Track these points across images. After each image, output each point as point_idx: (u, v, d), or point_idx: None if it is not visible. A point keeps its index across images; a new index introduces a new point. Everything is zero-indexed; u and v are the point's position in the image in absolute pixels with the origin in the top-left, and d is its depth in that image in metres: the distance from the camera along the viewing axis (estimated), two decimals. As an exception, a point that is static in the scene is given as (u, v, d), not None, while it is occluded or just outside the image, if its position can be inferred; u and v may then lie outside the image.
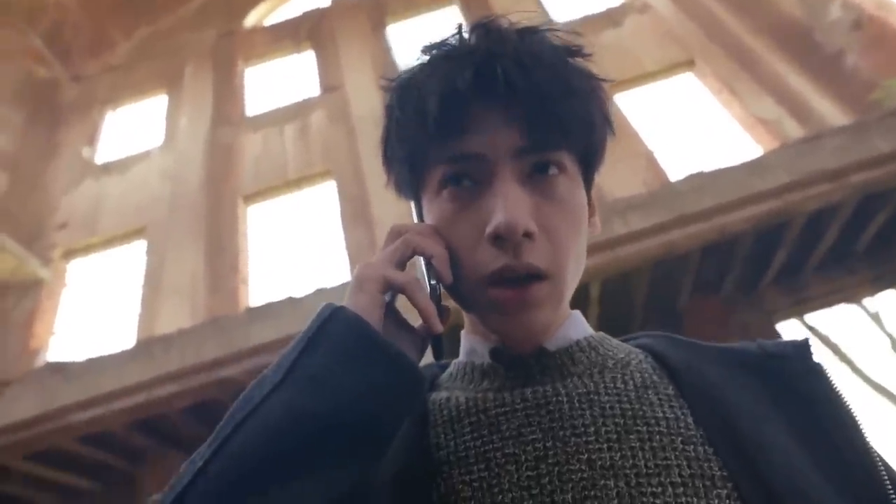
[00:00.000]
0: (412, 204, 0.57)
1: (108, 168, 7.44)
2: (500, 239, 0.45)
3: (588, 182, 0.55)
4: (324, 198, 6.63)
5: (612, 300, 4.47)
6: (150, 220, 6.74)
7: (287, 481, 0.36)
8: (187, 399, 4.12)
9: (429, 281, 0.48)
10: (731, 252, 4.40)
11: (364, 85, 7.12)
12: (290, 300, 4.38)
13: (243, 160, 7.07)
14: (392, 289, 0.46)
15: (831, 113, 5.53)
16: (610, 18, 7.16)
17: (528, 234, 0.45)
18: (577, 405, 0.46)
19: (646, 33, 6.89)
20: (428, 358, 0.51)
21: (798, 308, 4.95)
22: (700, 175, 4.24)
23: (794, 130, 5.51)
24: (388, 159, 0.56)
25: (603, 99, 0.53)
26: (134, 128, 8.17)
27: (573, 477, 0.42)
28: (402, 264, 0.47)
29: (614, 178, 5.40)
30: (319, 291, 4.24)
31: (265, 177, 6.88)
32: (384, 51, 7.81)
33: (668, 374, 0.50)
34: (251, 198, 6.85)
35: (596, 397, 0.47)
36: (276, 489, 0.36)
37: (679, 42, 6.70)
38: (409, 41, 8.05)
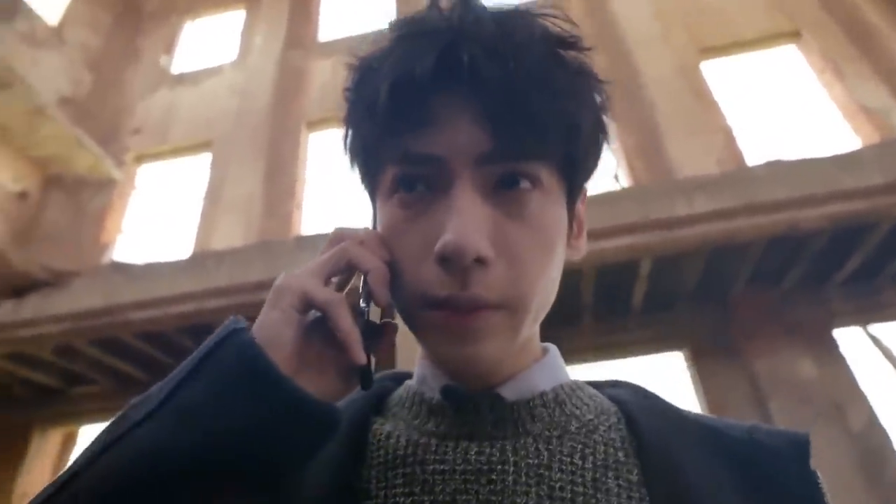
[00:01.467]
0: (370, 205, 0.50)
1: (182, 78, 7.61)
2: (448, 261, 0.38)
3: (572, 196, 0.46)
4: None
5: (661, 280, 4.32)
6: (216, 135, 6.91)
7: None
8: (230, 314, 4.32)
9: (361, 299, 0.42)
10: (799, 248, 4.12)
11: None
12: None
13: (311, 86, 7.07)
14: (312, 308, 0.40)
15: (948, 110, 4.97)
16: (713, -26, 6.56)
17: (480, 260, 0.38)
18: (523, 479, 0.40)
19: (750, -5, 6.30)
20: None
21: (864, 316, 4.64)
22: (780, 163, 3.93)
23: (900, 124, 5.00)
24: (347, 150, 0.48)
25: (596, 100, 0.45)
26: (210, 41, 8.27)
27: None
28: (333, 276, 0.42)
29: (685, 153, 5.11)
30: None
31: (330, 105, 6.87)
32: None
33: (636, 449, 0.43)
34: (314, 125, 6.88)
35: (547, 473, 0.41)
36: None
37: (787, 9, 6.08)
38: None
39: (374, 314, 0.44)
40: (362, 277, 0.42)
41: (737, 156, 5.16)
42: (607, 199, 3.99)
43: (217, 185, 6.43)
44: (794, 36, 6.02)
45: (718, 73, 5.90)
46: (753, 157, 5.01)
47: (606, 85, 0.46)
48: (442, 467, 0.42)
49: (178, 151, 7.14)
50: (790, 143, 5.32)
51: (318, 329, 0.41)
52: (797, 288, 4.57)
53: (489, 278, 0.39)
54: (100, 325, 4.37)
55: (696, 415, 0.48)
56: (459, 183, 0.40)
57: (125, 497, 0.32)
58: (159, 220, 6.70)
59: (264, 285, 4.24)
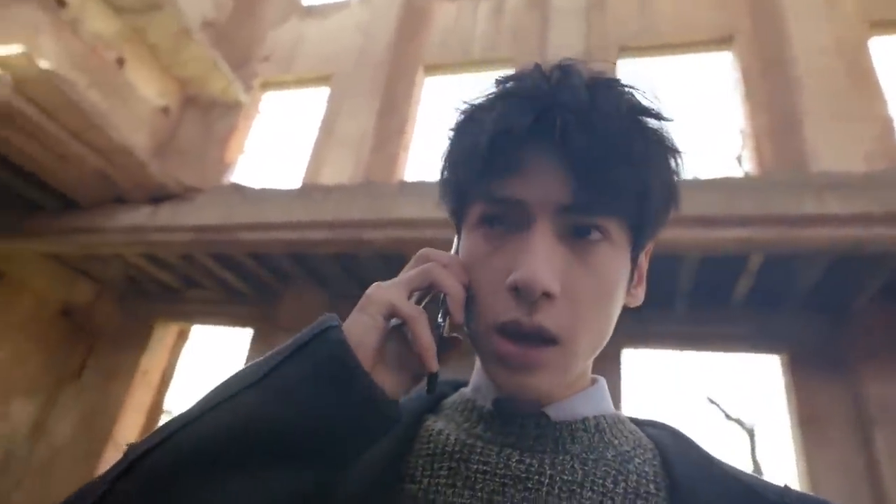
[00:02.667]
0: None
1: (311, 11, 7.83)
2: (519, 292, 0.44)
3: (636, 249, 0.51)
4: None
5: (769, 278, 4.02)
6: (337, 70, 7.12)
7: (226, 479, 0.38)
8: (332, 247, 4.59)
9: (441, 316, 0.47)
10: (945, 267, 3.64)
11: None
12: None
13: (432, 29, 7.03)
14: (396, 317, 0.45)
15: None
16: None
17: (547, 294, 0.44)
18: (556, 492, 0.44)
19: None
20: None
21: None
22: (943, 168, 3.43)
23: None
24: (442, 184, 0.54)
25: (670, 167, 0.49)
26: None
27: None
28: (416, 291, 0.47)
29: (827, 142, 4.57)
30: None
31: (450, 50, 6.83)
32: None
33: (668, 487, 0.46)
34: (432, 68, 6.89)
35: (579, 490, 0.45)
36: (219, 478, 0.38)
37: None
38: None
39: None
40: (441, 296, 0.47)
41: (891, 152, 4.56)
42: (724, 184, 3.71)
43: (332, 119, 6.68)
44: None
45: (887, 53, 5.16)
46: (910, 156, 4.41)
47: (682, 154, 0.50)
48: (484, 468, 0.46)
49: (300, 82, 7.46)
50: (961, 145, 4.60)
51: (396, 335, 0.47)
52: (933, 310, 4.07)
53: (552, 311, 0.44)
54: (216, 241, 4.80)
55: (732, 468, 0.49)
56: (537, 226, 0.45)
57: (221, 452, 0.38)
58: (276, 146, 7.10)
59: (365, 224, 4.43)
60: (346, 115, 6.61)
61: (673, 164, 0.49)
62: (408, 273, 0.48)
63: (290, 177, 5.69)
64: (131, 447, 0.40)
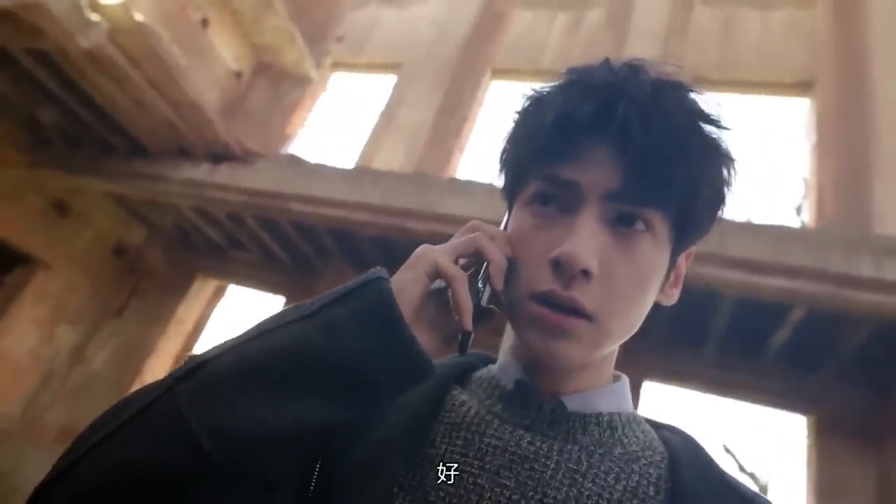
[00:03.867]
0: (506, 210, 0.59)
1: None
2: (559, 267, 0.46)
3: (678, 249, 0.53)
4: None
5: (809, 334, 3.89)
6: (406, 59, 7.22)
7: (272, 394, 0.41)
8: (374, 230, 4.68)
9: (480, 282, 0.50)
10: None
11: (658, 2, 6.41)
12: (490, 187, 4.55)
13: (507, 33, 7.05)
14: (440, 277, 0.48)
15: None
16: None
17: (585, 272, 0.46)
18: (559, 477, 0.47)
19: None
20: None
21: None
22: None
23: None
24: (501, 161, 0.58)
25: (722, 174, 0.51)
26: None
27: None
28: (461, 258, 0.49)
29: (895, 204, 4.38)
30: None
31: (520, 57, 6.84)
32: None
33: (669, 491, 0.48)
34: (500, 73, 6.91)
35: (581, 480, 0.47)
36: (264, 397, 0.41)
37: None
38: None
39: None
40: (484, 264, 0.50)
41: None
42: (776, 232, 3.62)
43: (393, 107, 6.79)
44: None
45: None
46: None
47: (736, 163, 0.52)
48: (496, 443, 0.49)
49: (369, 66, 7.60)
50: None
51: (438, 296, 0.50)
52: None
53: (587, 289, 0.47)
54: (265, 206, 4.97)
55: (734, 479, 0.51)
56: (586, 209, 0.48)
57: (270, 371, 0.42)
58: (337, 125, 7.26)
59: (410, 213, 4.51)
60: (409, 106, 6.70)
61: (725, 172, 0.51)
62: (456, 240, 0.51)
63: (344, 157, 5.79)
64: (192, 357, 0.44)
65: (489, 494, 0.46)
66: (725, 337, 4.25)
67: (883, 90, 5.04)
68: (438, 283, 0.49)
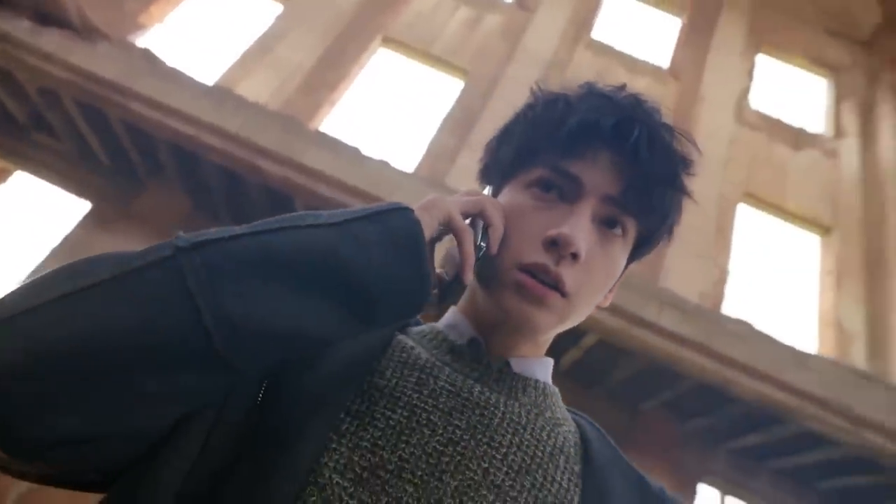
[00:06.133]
0: (488, 188, 0.63)
1: None
2: (554, 245, 0.52)
3: (630, 260, 0.60)
4: (441, 89, 6.62)
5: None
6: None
7: (288, 287, 0.41)
8: (220, 158, 4.31)
9: (478, 242, 0.53)
10: None
11: (551, 32, 6.87)
12: (356, 152, 4.49)
13: (408, 6, 6.97)
14: (449, 227, 0.51)
15: None
16: None
17: (575, 255, 0.51)
18: (505, 425, 0.52)
19: None
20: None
21: None
22: None
23: None
24: (498, 143, 0.62)
25: (680, 210, 0.60)
26: None
27: (467, 474, 0.47)
28: (465, 215, 0.53)
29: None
30: (384, 163, 4.34)
31: (413, 35, 6.81)
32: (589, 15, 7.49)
33: (583, 454, 0.56)
34: (390, 42, 6.81)
35: (521, 431, 0.52)
36: (278, 288, 0.41)
37: None
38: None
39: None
40: (481, 227, 0.54)
41: None
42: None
43: (272, 38, 6.29)
44: None
45: None
46: None
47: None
48: (449, 388, 0.52)
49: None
50: None
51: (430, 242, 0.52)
52: None
53: (571, 272, 0.52)
54: (100, 95, 4.29)
55: (628, 460, 0.61)
56: (583, 204, 0.54)
57: (290, 264, 0.41)
58: (201, 33, 6.52)
59: (267, 153, 4.26)
60: (289, 43, 6.29)
61: (681, 207, 0.60)
62: (462, 198, 0.54)
63: (199, 72, 5.13)
64: (193, 233, 0.41)
65: (441, 431, 0.49)
66: (743, 437, 4.65)
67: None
68: (441, 230, 0.52)
